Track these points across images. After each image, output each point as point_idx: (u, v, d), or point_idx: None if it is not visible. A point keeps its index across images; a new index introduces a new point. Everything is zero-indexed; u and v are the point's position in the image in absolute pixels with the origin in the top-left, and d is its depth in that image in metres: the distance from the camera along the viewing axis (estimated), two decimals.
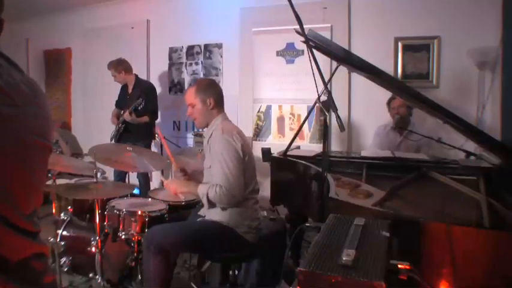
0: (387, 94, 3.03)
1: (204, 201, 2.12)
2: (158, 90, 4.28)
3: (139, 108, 3.82)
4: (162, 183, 2.54)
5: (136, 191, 3.75)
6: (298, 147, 3.21)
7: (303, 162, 2.36)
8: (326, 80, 1.77)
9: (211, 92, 2.24)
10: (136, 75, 4.18)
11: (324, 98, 1.75)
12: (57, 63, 5.78)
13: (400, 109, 3.09)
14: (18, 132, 0.66)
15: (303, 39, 1.74)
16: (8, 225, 0.67)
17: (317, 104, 1.95)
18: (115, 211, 2.48)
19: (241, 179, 2.08)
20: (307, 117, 2.75)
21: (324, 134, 1.83)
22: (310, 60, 1.67)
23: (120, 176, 4.01)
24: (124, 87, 4.23)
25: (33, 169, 0.71)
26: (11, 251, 0.68)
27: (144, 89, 4.05)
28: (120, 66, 4.07)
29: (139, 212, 2.43)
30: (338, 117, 1.59)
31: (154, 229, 2.16)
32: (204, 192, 2.09)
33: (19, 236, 0.69)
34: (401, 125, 3.08)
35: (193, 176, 2.52)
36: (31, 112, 0.69)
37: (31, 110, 0.69)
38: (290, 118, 4.02)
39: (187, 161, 3.08)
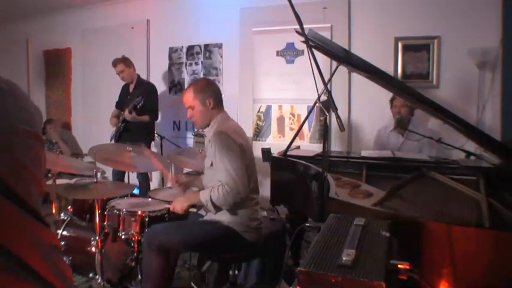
0: (387, 94, 3.03)
1: (209, 206, 2.09)
2: (158, 90, 4.28)
3: (138, 106, 3.81)
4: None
5: (136, 191, 3.76)
6: (298, 147, 3.21)
7: (303, 162, 2.36)
8: (326, 80, 1.76)
9: (210, 92, 2.21)
10: (138, 75, 4.19)
11: (324, 98, 1.75)
12: (57, 63, 5.78)
13: (402, 108, 3.08)
14: (2, 120, 0.69)
15: (303, 39, 1.73)
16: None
17: (317, 104, 1.95)
18: (115, 211, 2.48)
19: (245, 175, 2.06)
20: (307, 117, 2.75)
21: (324, 134, 1.83)
22: (310, 60, 1.67)
23: (119, 175, 4.01)
24: (125, 87, 4.23)
25: (22, 153, 0.72)
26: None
27: (146, 88, 4.05)
28: (127, 61, 4.07)
29: (139, 212, 2.43)
30: (338, 117, 1.59)
31: (154, 228, 2.16)
32: (207, 198, 2.06)
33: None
34: (401, 125, 3.08)
35: (191, 182, 2.51)
36: (11, 104, 0.72)
37: (10, 101, 0.72)
38: (290, 118, 4.02)
39: (187, 161, 3.08)
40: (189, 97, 2.22)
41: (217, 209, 2.11)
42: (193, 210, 2.26)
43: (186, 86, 4.60)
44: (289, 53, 3.97)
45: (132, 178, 4.25)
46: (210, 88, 2.24)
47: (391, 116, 3.21)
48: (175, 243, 2.06)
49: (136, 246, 2.44)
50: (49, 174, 3.02)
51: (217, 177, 2.09)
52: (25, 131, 0.73)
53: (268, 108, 4.10)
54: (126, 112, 3.85)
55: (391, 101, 3.17)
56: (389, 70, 3.50)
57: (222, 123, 2.19)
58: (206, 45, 4.51)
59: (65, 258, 2.51)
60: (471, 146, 2.57)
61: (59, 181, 2.92)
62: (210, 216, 2.20)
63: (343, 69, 2.35)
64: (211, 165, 2.15)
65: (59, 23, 5.54)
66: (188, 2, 4.59)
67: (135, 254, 2.45)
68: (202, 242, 2.11)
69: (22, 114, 0.73)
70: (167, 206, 2.40)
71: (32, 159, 0.74)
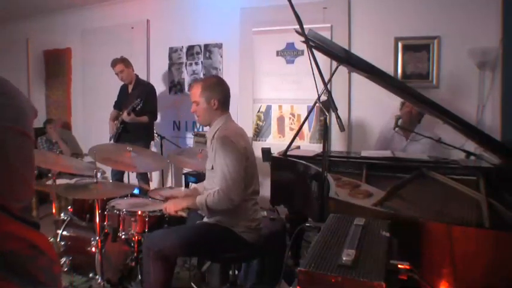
0: (388, 94, 3.01)
1: (204, 210, 2.10)
2: (158, 90, 4.29)
3: (137, 108, 3.80)
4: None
5: (136, 191, 3.76)
6: (298, 147, 3.21)
7: (303, 162, 2.36)
8: (326, 80, 1.77)
9: (217, 92, 2.18)
10: (137, 75, 4.18)
11: (324, 98, 1.75)
12: (57, 63, 5.78)
13: (407, 109, 3.08)
14: None
15: (303, 39, 1.74)
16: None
17: (317, 104, 1.95)
18: (115, 211, 2.48)
19: (241, 183, 2.06)
20: (307, 117, 2.75)
21: (324, 134, 1.83)
22: (310, 60, 1.67)
23: (118, 175, 4.00)
24: (124, 88, 4.22)
25: (11, 153, 0.71)
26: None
27: (144, 89, 4.04)
28: (126, 61, 4.06)
29: (139, 212, 2.43)
30: (338, 117, 1.59)
31: (153, 235, 2.16)
32: (202, 202, 2.07)
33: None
34: (401, 125, 3.06)
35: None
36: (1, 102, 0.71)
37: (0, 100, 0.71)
38: (290, 118, 4.02)
39: (187, 161, 3.08)
40: (196, 92, 2.21)
41: (211, 213, 2.12)
42: (182, 213, 2.23)
43: (186, 86, 4.62)
44: (289, 53, 3.97)
45: (132, 178, 4.25)
46: (219, 88, 2.21)
47: (391, 115, 3.21)
48: (174, 248, 2.06)
49: (136, 246, 2.44)
50: (49, 174, 3.02)
51: (215, 182, 2.09)
52: (13, 129, 0.71)
53: (268, 108, 4.10)
54: (125, 114, 3.84)
55: (403, 103, 3.16)
56: (390, 70, 3.50)
57: (224, 127, 2.17)
58: (206, 45, 4.51)
59: (65, 258, 2.53)
60: (471, 146, 2.57)
61: (59, 181, 2.92)
62: (209, 217, 2.20)
63: (343, 69, 2.36)
64: (212, 168, 2.16)
65: (58, 23, 5.54)
66: (188, 1, 4.59)
67: (135, 254, 2.46)
68: (202, 245, 2.11)
69: (11, 112, 0.72)
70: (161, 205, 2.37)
71: (21, 160, 0.73)
